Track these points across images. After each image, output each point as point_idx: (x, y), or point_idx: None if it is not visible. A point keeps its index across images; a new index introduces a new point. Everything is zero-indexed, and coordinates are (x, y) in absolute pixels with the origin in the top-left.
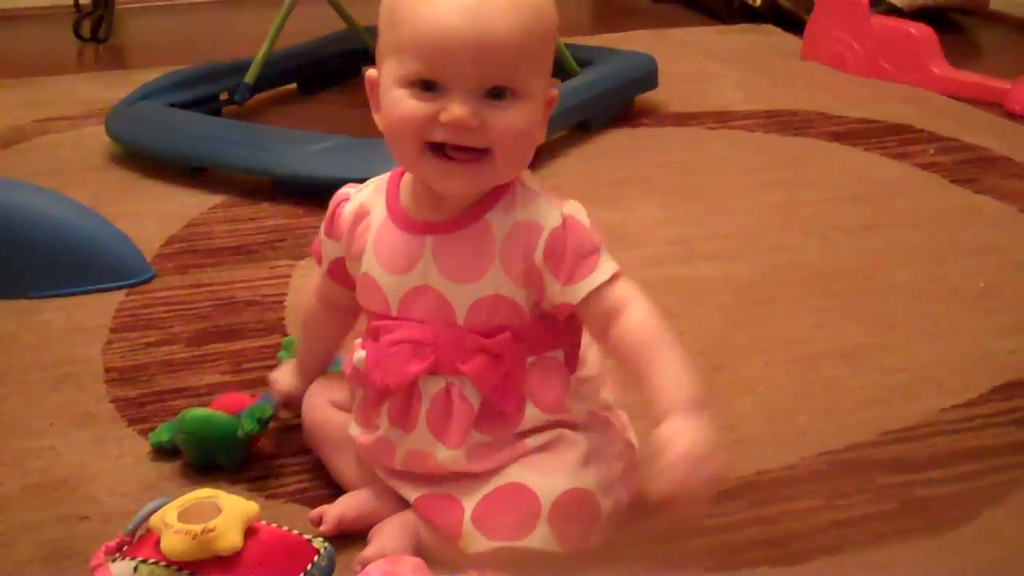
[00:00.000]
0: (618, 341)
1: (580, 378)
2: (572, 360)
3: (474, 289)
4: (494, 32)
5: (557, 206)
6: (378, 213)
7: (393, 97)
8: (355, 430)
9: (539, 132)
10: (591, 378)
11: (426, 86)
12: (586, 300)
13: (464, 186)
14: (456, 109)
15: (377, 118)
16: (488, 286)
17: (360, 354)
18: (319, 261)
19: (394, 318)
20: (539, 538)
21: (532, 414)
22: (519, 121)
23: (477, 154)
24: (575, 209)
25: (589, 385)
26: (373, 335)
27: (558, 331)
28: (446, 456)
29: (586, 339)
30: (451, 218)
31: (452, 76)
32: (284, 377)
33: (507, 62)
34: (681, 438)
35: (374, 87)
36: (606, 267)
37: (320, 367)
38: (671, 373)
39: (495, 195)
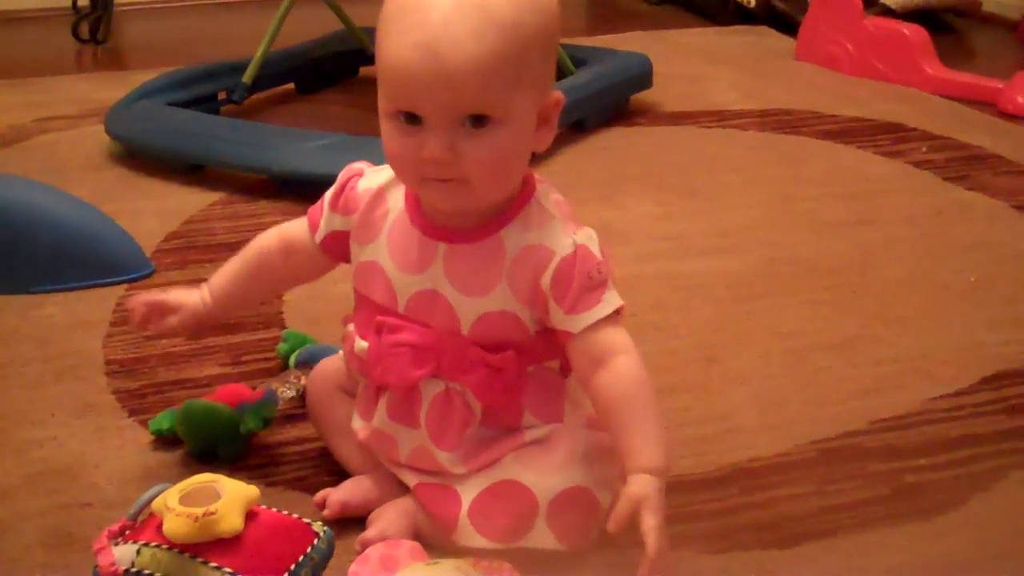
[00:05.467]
0: (602, 389)
1: None
2: (566, 366)
3: (481, 303)
4: (453, 66)
5: (570, 233)
6: (396, 204)
7: (385, 131)
8: (357, 423)
9: (534, 145)
10: None
11: (408, 117)
12: (584, 332)
13: (454, 207)
14: (430, 146)
15: None
16: (495, 302)
17: (362, 344)
18: (313, 230)
19: (400, 315)
20: (538, 537)
21: (530, 421)
22: (495, 150)
23: (457, 181)
24: (588, 239)
25: None
26: (376, 329)
27: (557, 342)
28: (444, 457)
29: None
30: (467, 228)
31: (423, 109)
32: (188, 298)
33: (473, 92)
34: (643, 499)
35: None
36: (610, 302)
37: (240, 305)
38: (646, 435)
39: (511, 210)
